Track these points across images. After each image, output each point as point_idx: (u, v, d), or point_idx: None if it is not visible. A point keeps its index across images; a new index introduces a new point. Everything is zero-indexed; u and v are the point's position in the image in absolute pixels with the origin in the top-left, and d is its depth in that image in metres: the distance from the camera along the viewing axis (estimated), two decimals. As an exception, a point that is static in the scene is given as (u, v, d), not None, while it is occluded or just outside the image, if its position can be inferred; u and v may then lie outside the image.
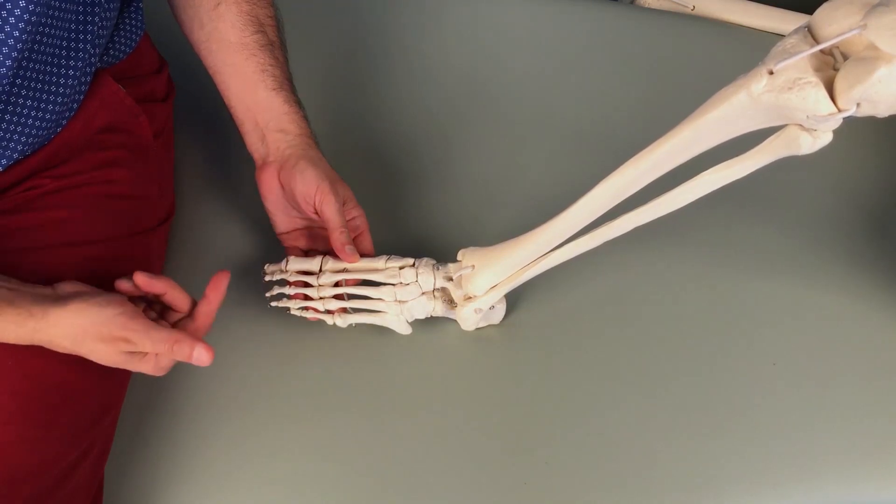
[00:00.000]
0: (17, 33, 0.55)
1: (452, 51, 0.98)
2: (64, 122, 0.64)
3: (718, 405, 0.71)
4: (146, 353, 0.58)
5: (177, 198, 0.80)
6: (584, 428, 0.70)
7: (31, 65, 0.59)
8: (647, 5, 1.11)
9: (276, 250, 0.75)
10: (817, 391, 0.72)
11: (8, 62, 0.56)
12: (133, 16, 0.72)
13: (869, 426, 0.71)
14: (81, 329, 0.55)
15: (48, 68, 0.60)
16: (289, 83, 0.72)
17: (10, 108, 0.59)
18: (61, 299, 0.56)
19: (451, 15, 1.02)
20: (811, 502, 0.67)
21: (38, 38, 0.58)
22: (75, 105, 0.65)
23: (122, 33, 0.70)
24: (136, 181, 0.70)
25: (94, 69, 0.65)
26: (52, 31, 0.59)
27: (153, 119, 0.74)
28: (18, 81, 0.58)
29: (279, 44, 0.73)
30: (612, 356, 0.74)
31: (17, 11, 0.55)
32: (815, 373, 0.73)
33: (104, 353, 0.57)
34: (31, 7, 0.55)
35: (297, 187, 0.68)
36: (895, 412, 0.71)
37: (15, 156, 0.61)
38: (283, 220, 0.73)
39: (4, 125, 0.59)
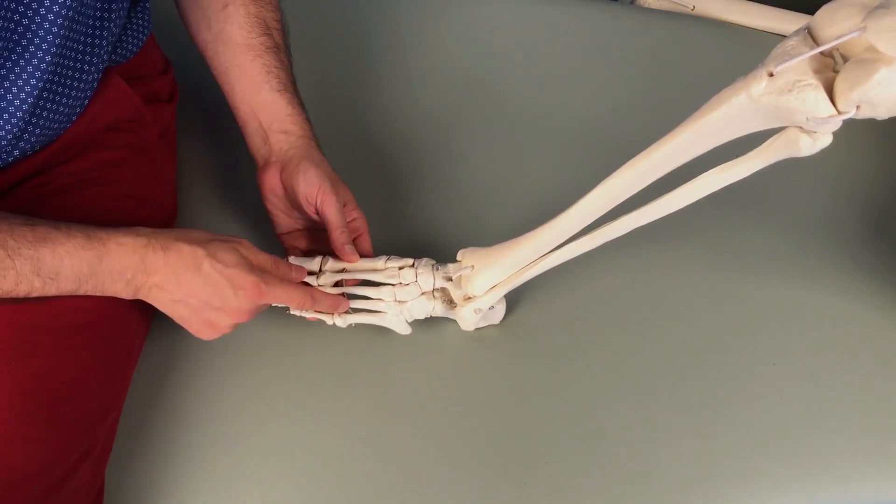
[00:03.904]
0: (55, 29, 0.56)
1: (452, 51, 0.98)
2: (74, 117, 0.64)
3: (718, 405, 0.71)
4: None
5: (178, 198, 0.80)
6: (584, 428, 0.70)
7: (59, 60, 0.59)
8: (647, 5, 1.11)
9: (277, 251, 0.74)
10: (817, 391, 0.72)
11: (48, 58, 0.57)
12: (140, 15, 0.72)
13: (868, 426, 0.70)
14: (204, 233, 0.61)
15: (70, 63, 0.61)
16: (293, 86, 0.72)
17: (39, 101, 0.59)
18: None
19: (451, 15, 1.02)
20: (811, 502, 0.67)
21: (68, 33, 0.58)
22: (86, 101, 0.65)
23: (129, 32, 0.70)
24: (140, 182, 0.70)
25: (105, 66, 0.66)
26: (77, 27, 0.60)
27: (158, 119, 0.74)
28: (49, 76, 0.59)
29: (284, 47, 0.73)
30: (612, 356, 0.74)
31: (56, 8, 0.56)
32: (814, 373, 0.73)
33: (226, 253, 0.60)
34: (68, 2, 0.56)
35: (299, 187, 0.68)
36: (895, 412, 0.71)
37: (27, 148, 0.62)
38: (283, 220, 0.73)
39: (26, 117, 0.59)
